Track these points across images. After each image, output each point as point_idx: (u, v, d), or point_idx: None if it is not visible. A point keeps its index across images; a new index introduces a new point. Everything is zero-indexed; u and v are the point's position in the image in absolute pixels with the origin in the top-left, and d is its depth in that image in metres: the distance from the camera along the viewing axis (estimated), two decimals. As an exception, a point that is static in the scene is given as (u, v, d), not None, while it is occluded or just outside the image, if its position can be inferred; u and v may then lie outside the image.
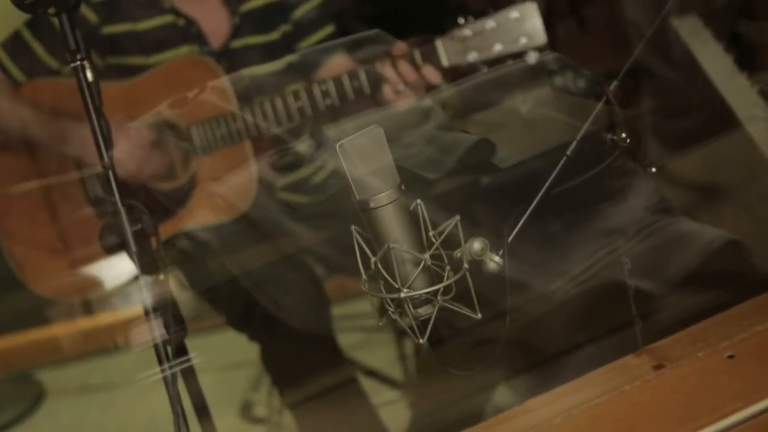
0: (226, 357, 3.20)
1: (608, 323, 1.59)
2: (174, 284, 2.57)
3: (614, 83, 1.57)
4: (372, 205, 1.47)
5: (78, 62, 1.68)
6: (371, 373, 2.98)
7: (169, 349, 1.65)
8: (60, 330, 3.62)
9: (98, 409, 3.57)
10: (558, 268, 1.71)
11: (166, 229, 2.37)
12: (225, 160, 2.33)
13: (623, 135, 1.56)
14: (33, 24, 2.35)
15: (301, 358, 2.41)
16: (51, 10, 1.67)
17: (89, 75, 1.69)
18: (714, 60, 2.44)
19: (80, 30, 2.26)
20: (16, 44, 2.41)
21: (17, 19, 2.35)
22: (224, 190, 2.34)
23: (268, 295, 2.33)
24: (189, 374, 1.79)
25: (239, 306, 2.37)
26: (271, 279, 2.34)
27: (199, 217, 2.36)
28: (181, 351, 1.78)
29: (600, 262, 1.66)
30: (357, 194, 1.51)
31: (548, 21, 2.21)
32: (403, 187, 1.50)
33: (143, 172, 2.30)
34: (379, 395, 2.89)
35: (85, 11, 2.37)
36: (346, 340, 2.64)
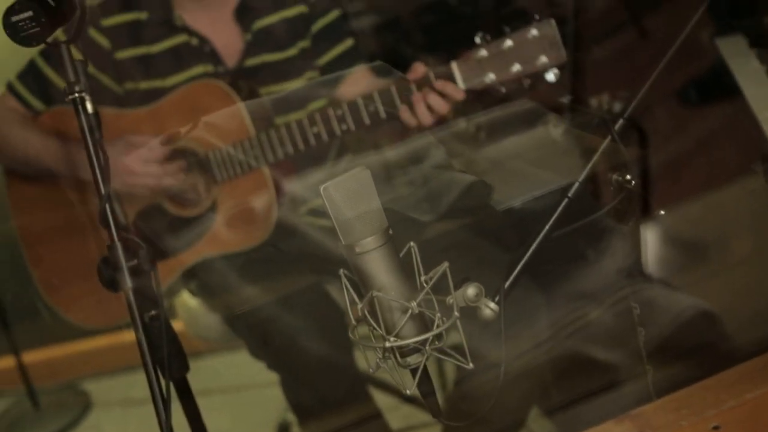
0: (247, 382, 3.20)
1: (582, 388, 1.52)
2: (182, 317, 2.57)
3: (620, 121, 1.50)
4: (358, 250, 1.42)
5: (76, 94, 1.65)
6: (394, 404, 2.92)
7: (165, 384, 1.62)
8: (106, 341, 3.66)
9: (139, 423, 3.58)
10: (528, 330, 1.64)
11: (186, 257, 2.35)
12: (245, 187, 2.30)
13: (628, 176, 1.49)
14: (46, 52, 2.35)
15: (322, 388, 2.36)
16: (48, 41, 1.64)
17: (89, 107, 1.67)
18: (754, 82, 2.34)
19: (93, 56, 2.29)
20: (31, 74, 2.41)
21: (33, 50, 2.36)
22: (244, 217, 2.32)
23: (287, 323, 2.29)
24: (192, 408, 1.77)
25: (258, 334, 2.34)
26: (290, 306, 2.30)
27: (219, 245, 2.33)
28: (182, 386, 1.76)
29: (570, 327, 1.59)
30: (342, 238, 1.46)
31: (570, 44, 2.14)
32: (391, 232, 1.44)
33: (163, 183, 2.28)
34: (403, 425, 2.83)
35: (97, 37, 2.36)
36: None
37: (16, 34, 1.62)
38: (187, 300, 2.62)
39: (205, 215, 2.34)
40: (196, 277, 2.41)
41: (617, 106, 2.41)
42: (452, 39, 3.23)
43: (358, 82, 2.41)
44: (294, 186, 2.34)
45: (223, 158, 2.28)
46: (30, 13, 1.60)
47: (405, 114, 2.13)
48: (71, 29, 1.67)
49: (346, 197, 1.43)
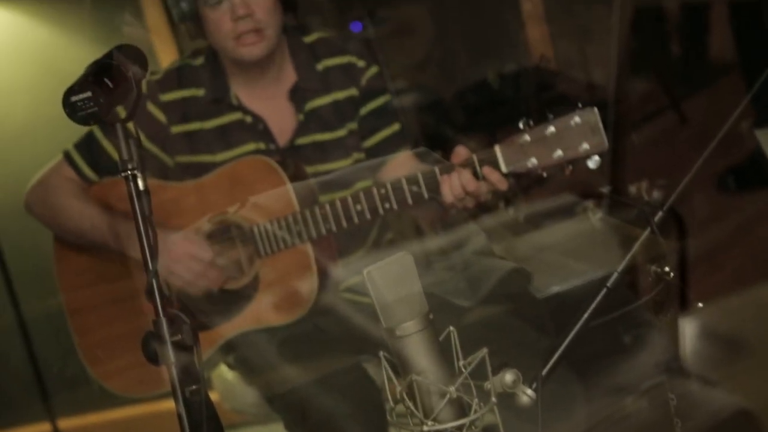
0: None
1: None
2: (218, 389, 2.59)
3: (659, 213, 1.52)
4: (398, 333, 1.45)
5: (129, 172, 1.71)
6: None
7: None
8: (143, 410, 3.67)
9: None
10: (564, 419, 1.64)
11: (226, 330, 2.38)
12: (287, 262, 2.33)
13: (667, 269, 1.50)
14: (104, 125, 2.41)
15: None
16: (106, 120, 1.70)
17: (140, 184, 1.72)
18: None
19: (149, 129, 2.35)
20: (88, 145, 2.48)
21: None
22: (286, 292, 2.34)
23: (325, 401, 2.30)
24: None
25: (295, 410, 2.34)
26: (328, 384, 2.31)
27: (259, 319, 2.36)
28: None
29: (607, 418, 1.59)
30: (383, 321, 1.49)
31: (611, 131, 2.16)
32: (431, 317, 1.47)
33: (199, 285, 2.33)
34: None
35: (155, 111, 2.43)
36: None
37: (74, 113, 1.69)
38: (225, 373, 2.65)
39: (246, 289, 2.37)
40: (234, 350, 2.43)
41: (656, 194, 2.44)
42: (493, 121, 3.29)
43: (403, 165, 2.45)
44: (335, 263, 2.37)
45: (267, 233, 2.31)
46: (89, 94, 1.66)
47: (447, 196, 2.16)
48: (128, 108, 1.73)
49: (388, 281, 1.46)
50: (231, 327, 2.38)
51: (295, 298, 2.34)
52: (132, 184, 1.71)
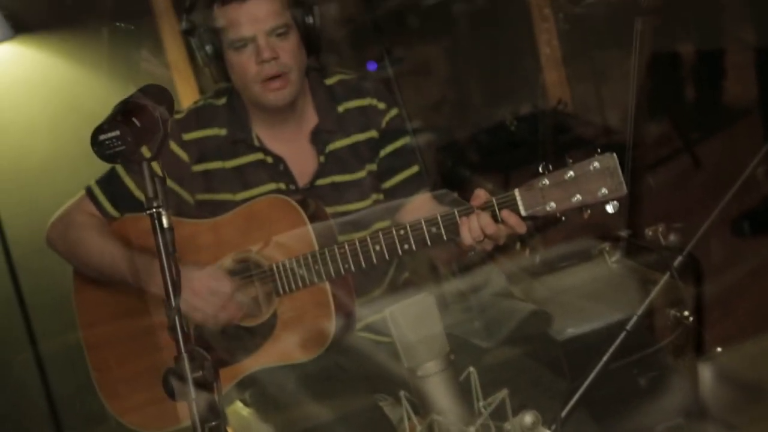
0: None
1: None
2: (234, 426, 2.60)
3: (678, 258, 1.54)
4: (420, 373, 1.47)
5: (154, 209, 1.73)
6: None
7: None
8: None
9: None
10: None
11: (243, 366, 2.39)
12: (305, 300, 2.35)
13: (686, 313, 1.52)
14: (130, 163, 2.43)
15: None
16: (133, 159, 1.73)
17: (165, 222, 1.75)
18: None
19: (171, 168, 2.38)
20: (110, 181, 2.50)
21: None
22: (304, 330, 2.36)
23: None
24: None
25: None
26: (344, 422, 2.32)
27: (276, 356, 2.37)
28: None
29: None
30: (405, 361, 1.51)
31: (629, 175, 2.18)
32: (452, 357, 1.48)
33: (219, 319, 2.34)
34: None
35: (177, 150, 2.45)
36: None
37: (102, 151, 1.72)
38: (240, 409, 2.66)
39: (265, 326, 2.38)
40: (250, 387, 2.45)
41: (672, 238, 2.45)
42: (510, 163, 3.32)
43: (421, 207, 2.48)
44: (353, 302, 2.39)
45: (286, 271, 2.33)
46: (117, 133, 1.70)
47: (465, 238, 2.18)
48: (154, 147, 1.76)
49: (411, 322, 1.48)
50: (248, 364, 2.39)
51: (313, 336, 2.35)
52: (157, 221, 1.74)
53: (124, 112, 1.74)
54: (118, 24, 3.59)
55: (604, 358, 1.50)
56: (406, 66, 3.66)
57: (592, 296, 1.84)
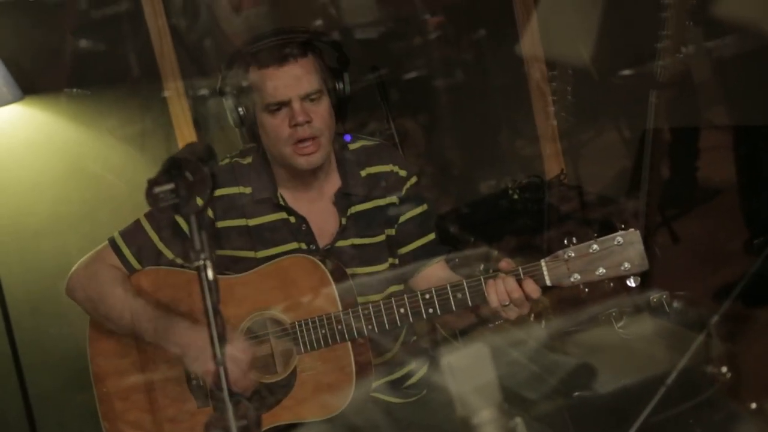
0: None
1: None
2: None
3: (714, 317, 1.61)
4: (474, 421, 1.51)
5: (201, 261, 1.78)
6: None
7: None
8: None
9: None
10: None
11: (263, 422, 2.41)
12: (326, 358, 2.39)
13: (723, 369, 1.58)
14: (152, 215, 2.48)
15: None
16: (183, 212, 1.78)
17: (210, 274, 1.79)
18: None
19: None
20: (135, 233, 2.53)
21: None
22: (323, 389, 2.39)
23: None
24: None
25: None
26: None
27: (294, 413, 2.40)
28: None
29: None
30: (459, 410, 1.56)
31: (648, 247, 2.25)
32: (506, 406, 1.53)
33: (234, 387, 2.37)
34: None
35: None
36: None
37: (156, 203, 1.77)
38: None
39: (284, 383, 2.41)
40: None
41: (676, 304, 2.53)
42: (510, 232, 3.39)
43: (436, 273, 2.56)
44: (371, 363, 2.43)
45: (308, 330, 2.37)
46: (171, 186, 1.75)
47: (493, 304, 2.25)
48: (204, 200, 1.81)
49: (466, 372, 1.53)
50: (266, 420, 2.42)
51: (332, 395, 2.38)
52: (203, 273, 1.78)
53: (177, 167, 1.79)
54: (122, 85, 3.64)
55: (644, 414, 1.55)
56: (404, 134, 3.74)
57: (632, 352, 1.91)
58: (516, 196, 3.48)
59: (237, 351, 2.36)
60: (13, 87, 3.35)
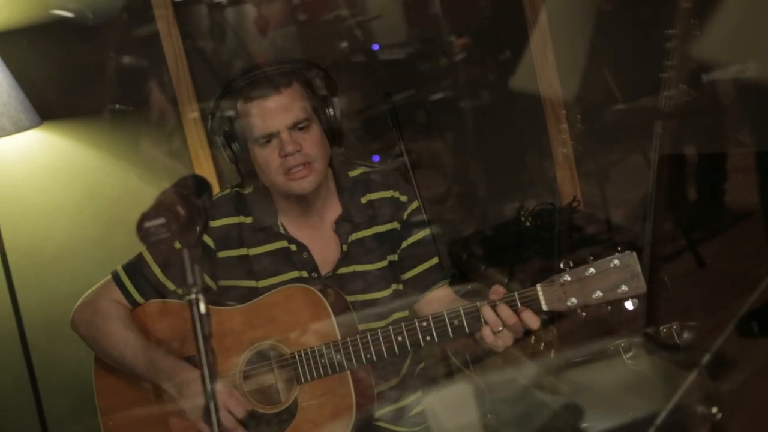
0: None
1: None
2: None
3: (706, 356, 1.58)
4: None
5: (193, 296, 1.78)
6: None
7: None
8: None
9: None
10: None
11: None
12: (326, 388, 2.38)
13: (714, 410, 1.56)
14: (154, 249, 2.48)
15: None
16: (176, 245, 1.78)
17: (202, 308, 1.79)
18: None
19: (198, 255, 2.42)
20: (137, 266, 2.55)
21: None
22: (324, 418, 2.38)
23: None
24: None
25: None
26: None
27: (297, 443, 2.40)
28: None
29: None
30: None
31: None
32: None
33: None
34: None
35: (204, 237, 2.50)
36: None
37: (147, 237, 1.77)
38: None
39: (285, 413, 2.41)
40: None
41: (686, 335, 2.50)
42: (522, 258, 3.37)
43: (441, 299, 2.55)
44: (372, 392, 2.42)
45: (308, 360, 2.37)
46: (162, 220, 1.75)
47: (486, 332, 2.23)
48: (194, 235, 1.81)
49: (447, 410, 1.51)
50: (269, 450, 2.42)
51: (334, 425, 2.37)
52: (195, 307, 1.78)
53: (170, 201, 1.80)
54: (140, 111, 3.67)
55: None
56: (418, 158, 3.73)
57: (620, 391, 1.88)
58: (528, 223, 3.47)
59: (232, 403, 2.37)
60: (31, 113, 3.38)
